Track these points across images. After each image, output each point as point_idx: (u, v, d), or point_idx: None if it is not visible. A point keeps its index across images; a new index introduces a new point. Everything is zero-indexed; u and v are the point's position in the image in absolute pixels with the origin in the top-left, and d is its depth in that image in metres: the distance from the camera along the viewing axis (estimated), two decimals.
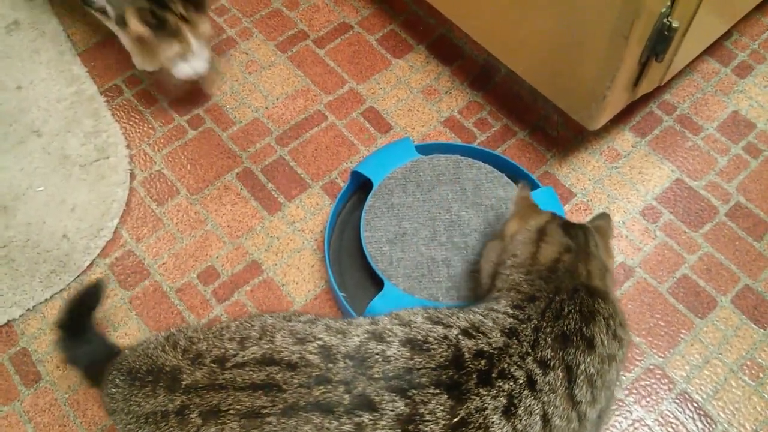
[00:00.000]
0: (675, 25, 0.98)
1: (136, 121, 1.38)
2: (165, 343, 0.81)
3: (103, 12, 1.26)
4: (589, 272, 0.86)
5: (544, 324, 0.78)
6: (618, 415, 1.08)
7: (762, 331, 1.14)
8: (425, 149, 1.25)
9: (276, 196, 1.30)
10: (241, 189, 1.30)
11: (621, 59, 1.00)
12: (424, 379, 0.71)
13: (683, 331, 1.15)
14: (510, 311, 0.80)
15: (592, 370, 0.76)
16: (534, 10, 1.07)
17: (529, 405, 0.72)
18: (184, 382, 0.75)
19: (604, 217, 1.01)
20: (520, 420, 0.71)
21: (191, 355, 0.78)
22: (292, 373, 0.72)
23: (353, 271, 1.19)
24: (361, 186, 1.26)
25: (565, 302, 0.80)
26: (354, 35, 1.47)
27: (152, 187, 1.31)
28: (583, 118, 1.15)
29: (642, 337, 1.14)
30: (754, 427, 1.07)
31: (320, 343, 0.75)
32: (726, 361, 1.12)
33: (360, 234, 1.16)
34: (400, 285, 1.11)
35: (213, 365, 0.75)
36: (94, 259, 1.23)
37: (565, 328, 0.77)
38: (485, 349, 0.74)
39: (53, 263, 1.22)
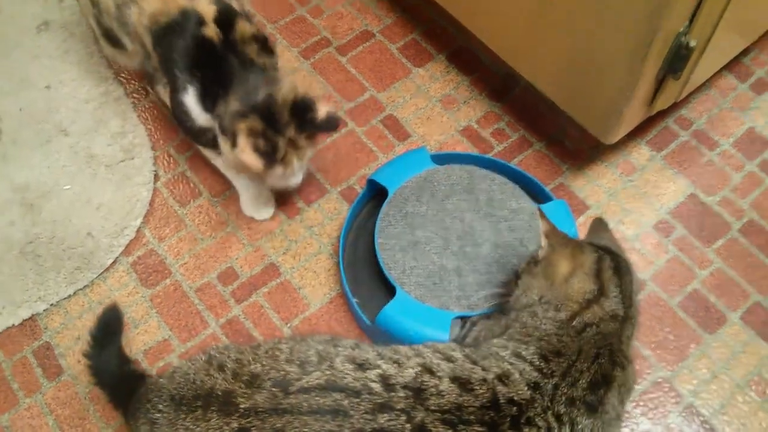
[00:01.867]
0: (692, 44, 1.00)
1: (161, 123, 1.42)
2: (208, 366, 0.83)
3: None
4: (621, 339, 0.89)
5: (562, 384, 0.83)
6: (625, 427, 1.10)
7: None
8: (441, 159, 1.27)
9: (295, 200, 1.32)
10: None
11: (638, 76, 1.02)
12: (471, 417, 0.77)
13: (692, 345, 1.16)
14: (537, 363, 0.85)
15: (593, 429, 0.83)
16: (555, 28, 1.10)
17: None
18: (241, 406, 0.77)
19: (603, 225, 1.05)
20: None
21: (245, 378, 0.80)
22: (357, 400, 0.76)
23: (367, 277, 1.21)
24: (376, 194, 1.28)
25: (585, 368, 0.85)
26: (376, 43, 1.49)
27: (175, 189, 1.34)
28: (600, 133, 1.17)
29: (651, 350, 1.16)
30: None
31: (379, 371, 0.79)
32: (734, 376, 1.14)
33: (374, 241, 1.18)
34: (412, 293, 1.13)
35: (274, 389, 0.78)
36: (117, 257, 1.27)
37: (574, 394, 0.83)
38: (515, 398, 0.80)
39: (77, 260, 1.26)
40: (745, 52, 1.43)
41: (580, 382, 0.84)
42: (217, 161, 1.26)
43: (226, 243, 1.28)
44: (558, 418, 0.81)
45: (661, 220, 1.28)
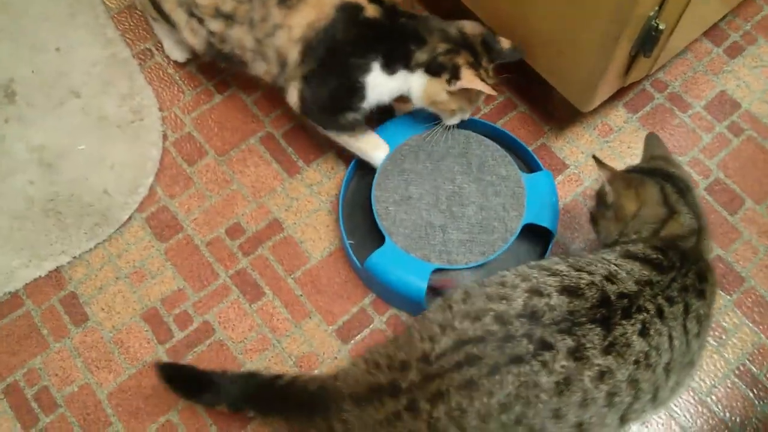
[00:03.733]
0: (661, 27, 1.08)
1: (167, 84, 1.50)
2: (366, 367, 1.00)
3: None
4: (701, 250, 1.03)
5: (673, 273, 0.96)
6: None
7: (728, 297, 1.29)
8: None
9: (295, 159, 1.42)
10: (264, 152, 1.43)
11: (612, 54, 1.11)
12: (583, 318, 0.90)
13: None
14: (649, 254, 0.98)
15: (701, 312, 0.97)
16: (535, 6, 1.18)
17: (658, 328, 0.92)
18: (403, 385, 0.94)
19: (655, 140, 1.16)
20: (653, 338, 0.91)
21: (397, 366, 0.96)
22: (483, 344, 0.91)
23: (362, 223, 1.32)
24: None
25: (687, 271, 0.98)
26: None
27: (183, 148, 1.44)
28: (577, 101, 1.26)
29: None
30: (713, 383, 1.23)
31: (492, 314, 0.93)
32: None
33: (371, 192, 1.29)
34: (398, 243, 1.24)
35: (420, 364, 0.94)
36: (132, 214, 1.37)
37: (687, 282, 0.96)
38: (625, 291, 0.93)
39: (96, 216, 1.36)
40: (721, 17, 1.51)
41: (689, 274, 0.96)
42: (350, 140, 1.31)
43: (233, 200, 1.39)
44: (669, 299, 0.94)
45: None
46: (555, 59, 1.23)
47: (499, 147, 1.32)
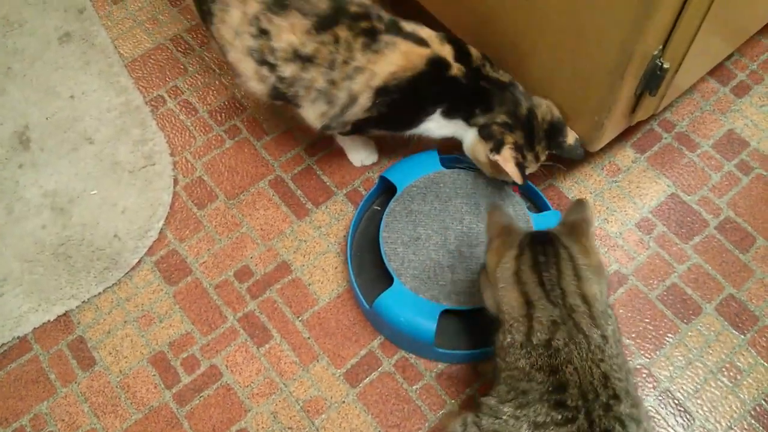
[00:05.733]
0: (666, 66, 1.09)
1: (179, 130, 1.52)
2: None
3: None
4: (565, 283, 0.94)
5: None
6: None
7: (742, 336, 1.26)
8: (449, 162, 1.37)
9: (304, 202, 1.43)
10: (273, 195, 1.44)
11: (617, 94, 1.12)
12: None
13: (669, 334, 1.27)
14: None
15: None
16: (541, 45, 1.19)
17: None
18: None
19: (581, 207, 1.02)
20: None
21: None
22: None
23: (370, 264, 1.32)
24: (386, 190, 1.39)
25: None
26: None
27: (193, 192, 1.45)
28: (585, 141, 1.27)
29: (631, 339, 1.27)
30: (729, 424, 1.20)
31: None
32: (707, 363, 1.25)
33: (379, 233, 1.29)
34: (407, 284, 1.24)
35: None
36: (141, 257, 1.38)
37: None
38: None
39: (106, 260, 1.37)
40: (727, 57, 1.52)
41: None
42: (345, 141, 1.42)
43: (242, 243, 1.39)
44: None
45: (643, 218, 1.38)
46: (560, 98, 1.24)
47: (507, 187, 1.33)
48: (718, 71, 1.53)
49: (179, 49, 1.62)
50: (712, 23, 1.09)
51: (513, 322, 0.95)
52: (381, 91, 1.19)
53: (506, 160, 1.20)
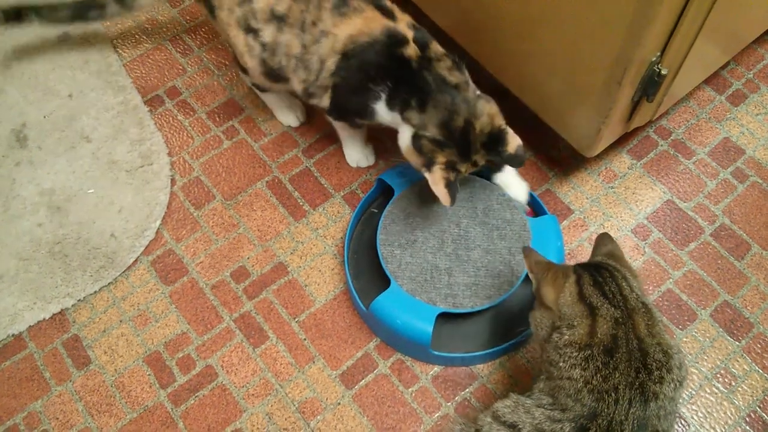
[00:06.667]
0: (664, 72, 1.10)
1: (177, 130, 1.52)
2: None
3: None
4: (640, 333, 0.96)
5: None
6: None
7: (737, 343, 1.27)
8: None
9: (301, 203, 1.43)
10: (270, 196, 1.44)
11: (614, 100, 1.12)
12: None
13: None
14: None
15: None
16: (537, 52, 1.20)
17: None
18: None
19: (607, 239, 1.09)
20: None
21: None
22: None
23: (367, 267, 1.33)
24: (384, 192, 1.39)
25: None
26: None
27: (191, 192, 1.45)
28: (582, 147, 1.27)
29: None
30: (724, 430, 1.20)
31: None
32: (702, 369, 1.25)
33: (376, 236, 1.29)
34: (404, 286, 1.24)
35: None
36: (138, 257, 1.37)
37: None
38: None
39: (102, 259, 1.36)
40: (723, 65, 1.53)
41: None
42: (344, 131, 1.41)
43: (238, 244, 1.39)
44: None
45: (639, 224, 1.39)
46: (557, 104, 1.25)
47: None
48: (714, 79, 1.54)
49: (178, 49, 1.63)
50: (710, 30, 1.10)
51: (576, 318, 0.96)
52: (344, 56, 1.19)
53: (435, 183, 1.16)
